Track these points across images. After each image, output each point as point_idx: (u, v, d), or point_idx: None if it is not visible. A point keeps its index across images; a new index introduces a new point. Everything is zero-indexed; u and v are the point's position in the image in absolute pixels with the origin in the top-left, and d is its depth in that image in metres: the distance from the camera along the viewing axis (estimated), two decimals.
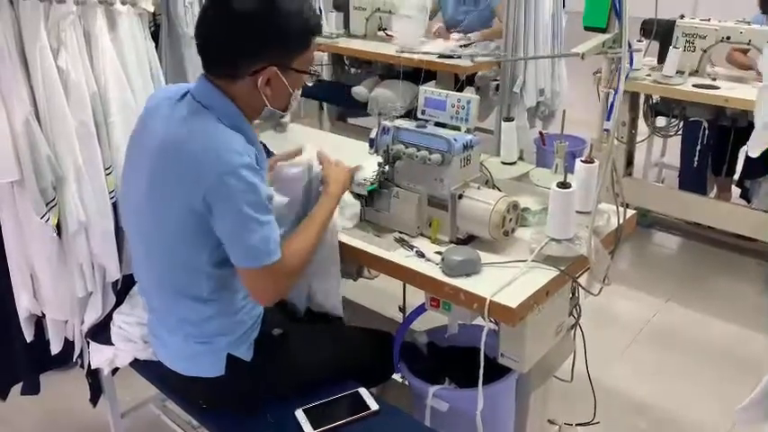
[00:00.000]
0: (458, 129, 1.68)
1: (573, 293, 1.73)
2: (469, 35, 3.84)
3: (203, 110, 1.37)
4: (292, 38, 1.39)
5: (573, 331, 1.80)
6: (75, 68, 1.67)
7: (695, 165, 3.27)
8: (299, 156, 1.72)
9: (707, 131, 3.16)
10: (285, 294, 1.49)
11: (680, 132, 3.39)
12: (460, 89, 3.71)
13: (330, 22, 4.18)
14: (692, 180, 3.41)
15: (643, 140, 3.57)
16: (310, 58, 1.45)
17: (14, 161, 1.64)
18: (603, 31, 1.53)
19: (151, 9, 1.91)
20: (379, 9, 3.97)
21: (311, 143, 1.76)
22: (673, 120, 3.39)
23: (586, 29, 1.55)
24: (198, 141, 1.33)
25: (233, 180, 1.29)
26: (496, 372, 1.63)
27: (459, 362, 1.76)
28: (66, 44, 1.65)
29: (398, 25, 3.59)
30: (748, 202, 3.37)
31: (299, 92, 1.49)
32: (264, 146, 1.68)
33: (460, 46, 3.53)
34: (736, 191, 3.50)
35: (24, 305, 1.84)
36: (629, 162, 3.52)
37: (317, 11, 1.47)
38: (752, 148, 2.44)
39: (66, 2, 1.58)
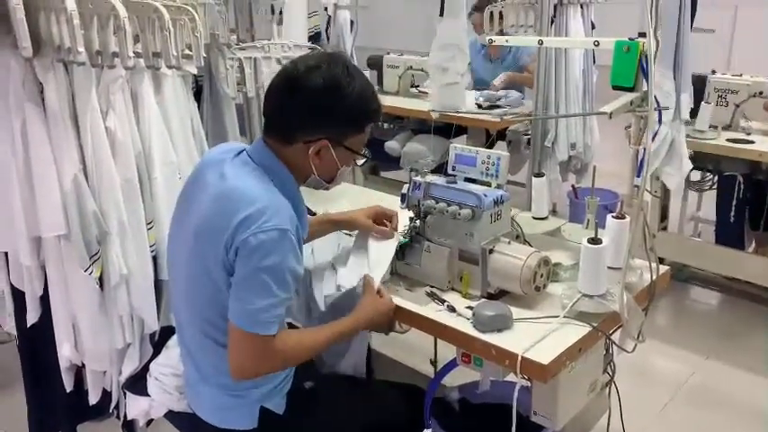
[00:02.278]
0: (488, 184, 1.71)
1: (607, 350, 1.71)
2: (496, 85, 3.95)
3: (259, 170, 1.44)
4: (349, 119, 1.46)
5: (608, 389, 1.77)
6: (122, 129, 1.75)
7: (732, 219, 3.22)
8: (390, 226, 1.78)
9: (742, 185, 3.13)
10: (259, 374, 1.45)
11: (715, 186, 3.36)
12: (491, 144, 3.76)
13: None
14: (729, 234, 3.35)
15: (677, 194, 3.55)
16: (363, 140, 1.52)
17: (63, 216, 1.72)
18: (631, 89, 1.55)
19: (194, 72, 2.01)
20: (411, 67, 4.09)
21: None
22: (707, 174, 3.37)
23: (614, 88, 1.58)
24: (247, 198, 1.37)
25: (265, 240, 1.32)
26: (529, 430, 1.60)
27: (491, 419, 1.74)
28: (115, 106, 1.74)
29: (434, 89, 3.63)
30: None
31: (348, 168, 1.54)
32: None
33: (489, 106, 3.60)
34: None
35: (66, 355, 1.89)
36: (664, 216, 3.49)
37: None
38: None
39: (116, 67, 1.68)
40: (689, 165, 2.86)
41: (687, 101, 2.76)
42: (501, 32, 3.23)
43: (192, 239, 1.43)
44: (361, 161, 1.77)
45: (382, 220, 1.80)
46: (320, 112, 1.42)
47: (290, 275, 1.37)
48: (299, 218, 1.44)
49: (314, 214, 2.05)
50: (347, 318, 1.56)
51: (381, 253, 1.73)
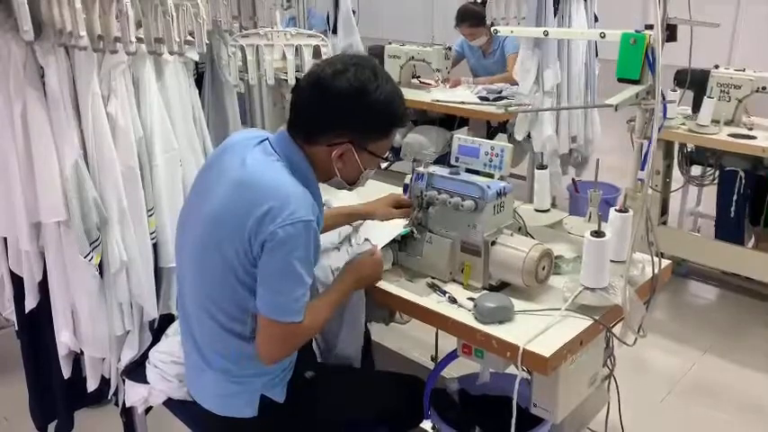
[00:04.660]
0: (491, 176, 1.70)
1: (607, 343, 1.71)
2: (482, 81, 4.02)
3: (280, 159, 1.43)
4: (374, 124, 1.45)
5: (607, 382, 1.77)
6: (123, 115, 1.74)
7: (732, 214, 3.22)
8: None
9: (744, 181, 3.13)
10: (287, 356, 1.50)
11: (715, 181, 3.35)
12: (492, 135, 3.76)
13: None
14: (728, 230, 3.35)
15: (678, 189, 3.54)
16: (388, 145, 1.52)
17: (63, 202, 1.71)
18: (637, 82, 1.54)
19: (196, 58, 2.00)
20: (413, 58, 4.07)
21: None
22: (708, 169, 3.36)
23: (620, 80, 1.57)
24: (269, 187, 1.37)
25: (294, 232, 1.33)
26: (529, 422, 1.60)
27: (491, 410, 1.74)
28: (117, 91, 1.73)
29: None
30: None
31: (371, 172, 1.54)
32: None
33: (495, 98, 3.60)
34: None
35: (64, 342, 1.89)
36: (664, 211, 3.48)
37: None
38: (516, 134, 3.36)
39: (118, 52, 1.66)
40: (549, 131, 3.24)
41: (551, 75, 3.21)
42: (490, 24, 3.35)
43: (209, 224, 1.42)
44: (384, 164, 1.78)
45: (399, 206, 1.82)
46: (345, 116, 1.41)
47: (314, 262, 1.41)
48: (319, 208, 1.45)
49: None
50: (335, 280, 1.60)
51: (385, 232, 1.74)
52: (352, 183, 1.53)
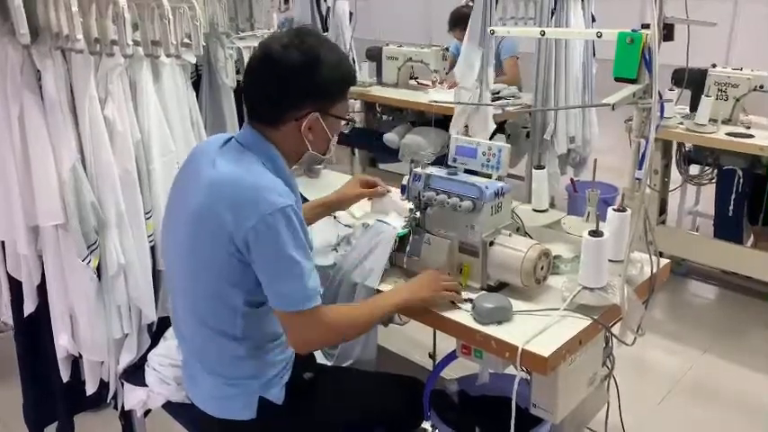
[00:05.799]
0: (489, 176, 1.70)
1: (606, 343, 1.71)
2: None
3: (248, 153, 1.44)
4: (332, 88, 1.48)
5: (607, 382, 1.77)
6: (120, 118, 1.74)
7: (731, 213, 3.22)
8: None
9: (742, 179, 3.13)
10: (319, 347, 1.51)
11: (714, 180, 3.36)
12: (491, 136, 3.75)
13: (363, 71, 4.30)
14: (727, 229, 3.35)
15: (676, 188, 3.55)
16: (347, 105, 1.55)
17: (60, 206, 1.71)
18: (634, 81, 1.54)
19: (194, 61, 2.00)
20: (410, 59, 4.08)
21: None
22: (706, 168, 3.37)
23: (617, 80, 1.57)
24: (241, 182, 1.38)
25: (275, 221, 1.33)
26: (528, 422, 1.60)
27: (490, 411, 1.74)
28: (114, 94, 1.73)
29: None
30: None
31: (336, 138, 1.56)
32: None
33: (492, 99, 3.59)
34: None
35: (63, 345, 1.88)
36: (663, 210, 3.48)
37: (352, 61, 1.56)
38: (452, 128, 3.33)
39: (115, 55, 1.66)
40: (492, 125, 3.29)
41: (492, 73, 3.31)
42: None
43: (190, 229, 1.43)
44: (347, 129, 1.85)
45: (367, 186, 1.91)
46: (305, 87, 1.43)
47: (306, 243, 1.41)
48: (294, 193, 1.46)
49: (307, 201, 2.04)
50: (396, 288, 1.61)
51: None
52: (323, 153, 1.54)
